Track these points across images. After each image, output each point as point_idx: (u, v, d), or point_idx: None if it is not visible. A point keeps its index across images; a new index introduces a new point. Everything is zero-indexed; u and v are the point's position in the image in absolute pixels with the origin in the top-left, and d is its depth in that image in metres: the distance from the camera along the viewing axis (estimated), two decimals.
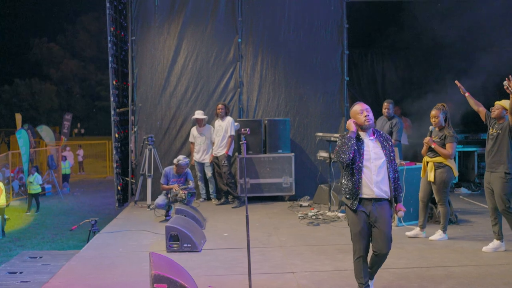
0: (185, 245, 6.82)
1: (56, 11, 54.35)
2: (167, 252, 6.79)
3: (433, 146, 7.04)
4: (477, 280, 5.59)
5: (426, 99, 11.95)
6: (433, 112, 7.14)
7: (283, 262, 6.35)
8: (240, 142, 5.44)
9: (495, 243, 6.62)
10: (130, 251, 7.03)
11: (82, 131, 51.05)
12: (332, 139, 9.01)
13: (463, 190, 11.20)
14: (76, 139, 37.34)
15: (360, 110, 4.90)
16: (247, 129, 5.27)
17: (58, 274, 6.11)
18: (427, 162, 7.15)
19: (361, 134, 4.92)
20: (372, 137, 4.92)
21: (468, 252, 6.63)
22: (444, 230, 7.22)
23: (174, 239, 6.85)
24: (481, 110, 6.83)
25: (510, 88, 5.95)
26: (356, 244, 4.91)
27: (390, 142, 4.98)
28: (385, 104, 9.27)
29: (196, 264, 6.32)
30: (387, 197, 4.86)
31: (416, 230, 7.34)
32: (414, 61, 13.82)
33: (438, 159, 7.05)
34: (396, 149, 7.72)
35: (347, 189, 4.91)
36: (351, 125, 4.91)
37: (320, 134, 9.69)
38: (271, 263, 6.32)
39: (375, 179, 4.80)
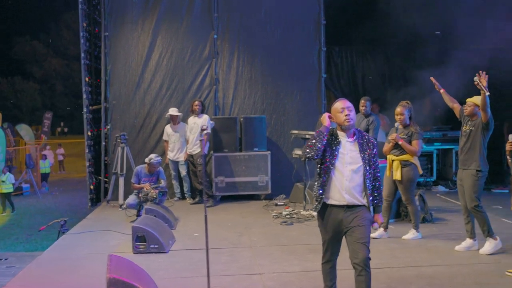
0: (152, 246, 6.63)
1: (39, 8, 53.68)
2: (134, 253, 6.61)
3: (400, 143, 6.92)
4: (448, 280, 5.47)
5: (406, 95, 11.85)
6: (398, 109, 7.03)
7: (251, 263, 6.18)
8: (199, 139, 5.22)
9: (468, 242, 6.51)
10: (96, 252, 6.82)
11: (66, 130, 50.52)
12: (307, 136, 8.86)
13: (440, 188, 11.14)
14: (60, 138, 36.94)
15: (341, 109, 4.40)
16: (207, 125, 5.08)
17: (17, 277, 5.89)
18: (393, 161, 7.04)
19: (340, 134, 4.44)
20: (351, 139, 4.42)
21: (441, 251, 6.51)
22: (417, 228, 7.11)
23: (141, 240, 6.66)
24: (456, 106, 6.70)
25: (480, 84, 5.83)
26: (325, 249, 4.63)
27: (372, 146, 4.45)
28: (362, 101, 9.13)
29: (161, 266, 6.14)
30: (361, 204, 4.39)
31: (380, 231, 7.20)
32: (394, 58, 13.67)
33: (405, 157, 6.94)
34: None
35: (316, 190, 4.50)
36: (325, 119, 4.46)
37: (295, 131, 9.54)
38: (239, 264, 6.15)
39: (347, 184, 4.34)
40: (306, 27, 10.72)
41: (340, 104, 4.44)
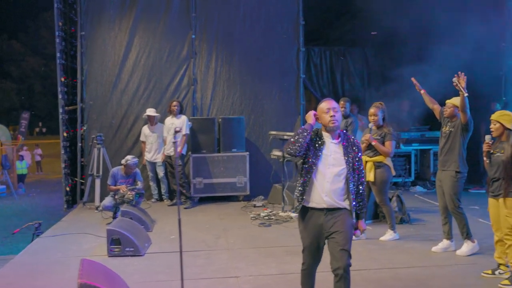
0: (127, 249, 6.52)
1: (17, 7, 52.94)
2: (108, 256, 6.50)
3: (373, 144, 6.92)
4: (424, 282, 5.47)
5: (385, 95, 11.85)
6: (372, 110, 7.05)
7: (228, 266, 6.11)
8: (172, 141, 5.07)
9: (445, 243, 6.52)
10: (70, 256, 6.68)
11: (44, 130, 49.90)
12: (285, 137, 8.82)
13: (418, 188, 11.16)
14: (38, 138, 36.44)
15: (327, 109, 4.27)
16: (181, 126, 4.98)
17: None
18: (366, 162, 7.03)
19: (324, 135, 4.31)
20: (335, 141, 4.28)
21: (418, 252, 6.51)
22: (393, 229, 7.10)
23: (116, 243, 6.54)
24: (436, 107, 6.70)
25: (459, 85, 5.82)
26: (305, 255, 4.43)
27: (356, 149, 4.31)
28: (341, 102, 9.09)
29: (136, 269, 6.04)
30: (342, 207, 4.26)
31: (358, 233, 7.17)
32: (372, 57, 13.70)
33: (378, 158, 6.94)
34: None
35: (297, 190, 4.37)
36: (310, 116, 4.32)
37: (274, 132, 9.49)
38: (215, 267, 6.07)
39: (328, 187, 4.20)
40: (285, 27, 10.68)
41: (326, 105, 4.31)
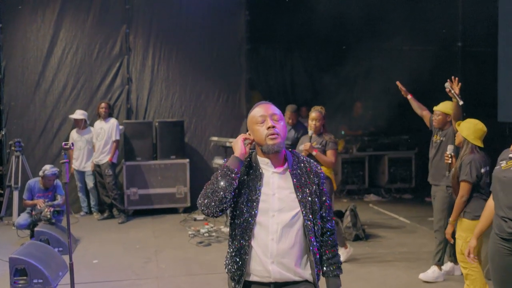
0: (34, 280, 5.47)
1: None
2: None
3: (314, 154, 5.97)
4: None
5: (337, 97, 11.13)
6: (314, 115, 6.10)
7: None
8: (61, 162, 4.02)
9: (449, 264, 5.80)
10: None
11: None
12: (228, 144, 7.91)
13: (373, 196, 10.41)
14: None
15: (261, 117, 2.67)
16: (69, 142, 3.95)
17: None
18: None
19: (261, 161, 2.71)
20: (279, 169, 2.69)
21: (375, 279, 5.72)
22: (343, 245, 6.27)
23: (21, 274, 5.48)
24: (425, 114, 5.95)
25: (453, 92, 5.00)
26: None
27: (317, 178, 2.73)
28: (287, 112, 8.21)
29: None
30: (301, 280, 2.67)
31: None
32: (323, 57, 12.92)
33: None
34: None
35: (229, 262, 2.75)
36: (237, 144, 2.70)
37: (215, 138, 8.57)
38: None
39: (273, 248, 2.61)
40: (229, 22, 9.75)
41: (260, 111, 2.69)
